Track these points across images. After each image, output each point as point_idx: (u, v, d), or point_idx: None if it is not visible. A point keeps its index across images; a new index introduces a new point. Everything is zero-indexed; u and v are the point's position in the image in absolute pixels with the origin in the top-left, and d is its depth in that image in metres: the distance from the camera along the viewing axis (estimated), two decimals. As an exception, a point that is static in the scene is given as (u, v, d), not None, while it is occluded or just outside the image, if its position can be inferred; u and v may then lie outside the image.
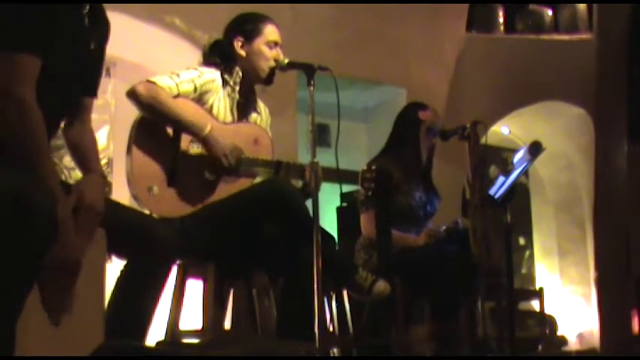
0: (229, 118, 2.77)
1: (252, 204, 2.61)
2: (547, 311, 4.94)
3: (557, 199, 6.51)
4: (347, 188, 3.23)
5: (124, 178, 2.62)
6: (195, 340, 2.67)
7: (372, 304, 3.29)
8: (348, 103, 5.26)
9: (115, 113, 4.17)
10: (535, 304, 4.88)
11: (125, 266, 2.03)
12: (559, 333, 5.89)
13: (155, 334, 2.30)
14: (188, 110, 2.62)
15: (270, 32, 2.83)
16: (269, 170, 2.72)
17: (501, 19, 5.89)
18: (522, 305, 5.06)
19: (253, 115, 2.90)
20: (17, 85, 1.70)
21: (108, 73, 4.07)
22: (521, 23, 6.04)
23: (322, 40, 4.55)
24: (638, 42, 6.21)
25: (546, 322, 5.19)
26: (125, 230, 1.98)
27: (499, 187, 3.30)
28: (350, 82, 4.77)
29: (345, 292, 2.91)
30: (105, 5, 2.04)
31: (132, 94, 2.56)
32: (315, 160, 2.46)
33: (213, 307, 2.65)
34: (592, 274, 6.18)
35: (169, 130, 2.63)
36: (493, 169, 3.36)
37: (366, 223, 3.53)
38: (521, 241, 6.63)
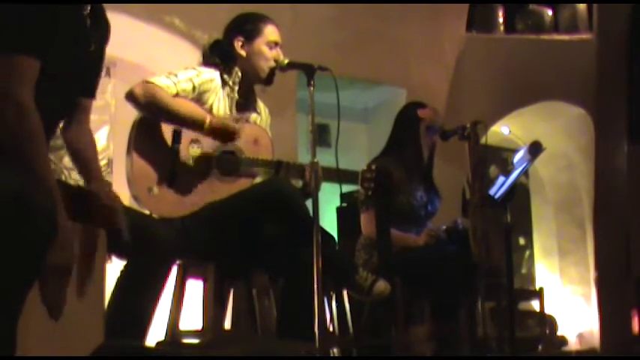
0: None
1: (252, 204, 2.61)
2: (547, 311, 4.94)
3: (557, 199, 6.51)
4: (347, 188, 3.23)
5: (124, 179, 2.62)
6: (195, 340, 2.67)
7: (372, 304, 3.29)
8: (348, 103, 5.26)
9: (115, 113, 4.17)
10: (535, 304, 4.88)
11: (125, 266, 2.03)
12: (559, 333, 5.88)
13: (155, 334, 2.30)
14: (187, 106, 2.62)
15: (271, 32, 2.83)
16: (269, 170, 2.72)
17: (501, 19, 5.89)
18: (522, 305, 5.05)
19: (253, 116, 2.90)
20: (15, 86, 1.70)
21: (108, 73, 4.07)
22: (521, 23, 6.04)
23: (322, 40, 4.54)
24: (638, 42, 6.21)
25: (546, 322, 5.19)
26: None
27: (499, 187, 3.30)
28: (350, 82, 4.77)
29: (345, 292, 2.91)
30: (105, 5, 2.04)
31: (130, 97, 2.56)
32: (315, 160, 2.46)
33: (213, 307, 2.65)
34: (592, 274, 6.18)
35: (169, 131, 2.63)
36: (493, 169, 3.36)
37: (367, 222, 3.53)
38: (521, 241, 6.63)
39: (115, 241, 1.91)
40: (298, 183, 2.80)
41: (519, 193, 4.46)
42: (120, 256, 2.03)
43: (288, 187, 2.63)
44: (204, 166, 2.66)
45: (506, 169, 3.27)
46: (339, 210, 4.36)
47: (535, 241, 6.63)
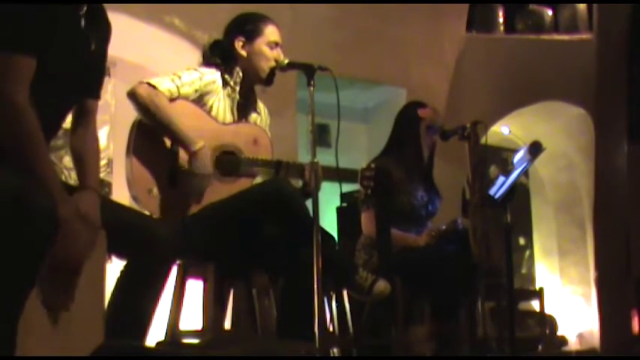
0: (229, 119, 2.77)
1: (252, 204, 2.61)
2: (547, 311, 4.94)
3: (557, 199, 6.51)
4: (347, 188, 3.23)
5: (124, 179, 2.62)
6: (195, 340, 2.67)
7: (372, 304, 3.29)
8: (348, 103, 5.26)
9: (115, 113, 4.17)
10: (535, 304, 4.88)
11: (125, 266, 2.03)
12: (559, 333, 5.89)
13: (155, 334, 2.30)
14: (186, 114, 2.62)
15: (271, 32, 2.83)
16: (269, 170, 2.72)
17: (501, 19, 5.89)
18: (522, 305, 5.06)
19: (253, 116, 2.90)
20: (10, 86, 1.70)
21: (108, 73, 4.07)
22: (521, 23, 6.04)
23: (322, 40, 4.54)
24: (638, 42, 6.21)
25: (546, 322, 5.19)
26: (125, 231, 1.98)
27: (499, 187, 3.30)
28: (350, 82, 4.77)
29: (345, 292, 2.91)
30: (105, 5, 2.04)
31: (132, 95, 2.56)
32: (315, 160, 2.46)
33: (213, 307, 2.65)
34: (592, 274, 6.18)
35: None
36: (493, 169, 3.36)
37: (367, 222, 3.53)
38: (521, 241, 6.63)
39: (115, 241, 1.91)
40: (298, 183, 2.80)
41: (519, 193, 4.46)
42: (120, 256, 2.03)
43: (288, 187, 2.63)
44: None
45: (506, 169, 3.27)
46: (339, 210, 4.36)
47: (535, 241, 6.63)
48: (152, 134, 2.60)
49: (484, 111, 5.02)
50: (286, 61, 2.73)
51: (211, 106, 2.72)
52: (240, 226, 2.60)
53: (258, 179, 2.76)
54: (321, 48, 4.37)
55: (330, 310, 2.89)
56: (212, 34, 2.91)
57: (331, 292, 2.90)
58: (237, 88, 2.80)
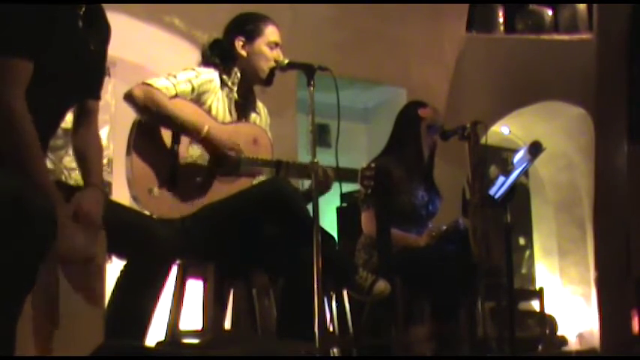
0: (228, 119, 2.77)
1: (252, 204, 2.61)
2: (547, 311, 4.94)
3: (557, 199, 6.51)
4: (347, 188, 3.23)
5: (124, 179, 2.62)
6: (195, 340, 2.67)
7: (372, 304, 3.29)
8: (348, 103, 5.26)
9: (115, 113, 4.17)
10: (535, 304, 4.88)
11: (125, 266, 2.03)
12: (559, 333, 5.89)
13: (155, 334, 2.30)
14: (186, 111, 2.62)
15: (271, 33, 2.83)
16: (269, 170, 2.72)
17: (501, 19, 5.89)
18: (522, 305, 5.06)
19: (252, 115, 2.90)
20: (6, 90, 1.70)
21: (108, 73, 4.07)
22: (521, 23, 6.04)
23: (322, 40, 4.54)
24: (638, 42, 6.21)
25: (546, 322, 5.19)
26: (125, 230, 1.98)
27: (499, 187, 3.30)
28: (350, 82, 4.77)
29: (345, 292, 2.91)
30: (105, 5, 2.04)
31: (129, 98, 2.56)
32: (315, 160, 2.46)
33: (213, 307, 2.65)
34: (592, 274, 6.18)
35: (169, 131, 2.63)
36: (493, 169, 3.36)
37: (367, 221, 3.53)
38: (521, 241, 6.63)
39: (115, 241, 1.91)
40: (298, 183, 2.80)
41: (519, 193, 4.46)
42: (120, 256, 2.03)
43: (288, 187, 2.63)
44: (204, 166, 2.65)
45: (506, 169, 3.27)
46: (339, 210, 4.36)
47: (535, 241, 6.63)
48: (152, 134, 2.60)
49: (484, 111, 5.02)
50: (286, 61, 2.73)
51: (210, 106, 2.72)
52: (240, 226, 2.60)
53: (259, 179, 2.76)
54: (321, 48, 4.37)
55: (330, 310, 2.89)
56: (212, 34, 2.91)
57: (331, 292, 2.90)
58: (235, 89, 2.80)
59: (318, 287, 2.28)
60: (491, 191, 3.30)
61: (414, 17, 5.11)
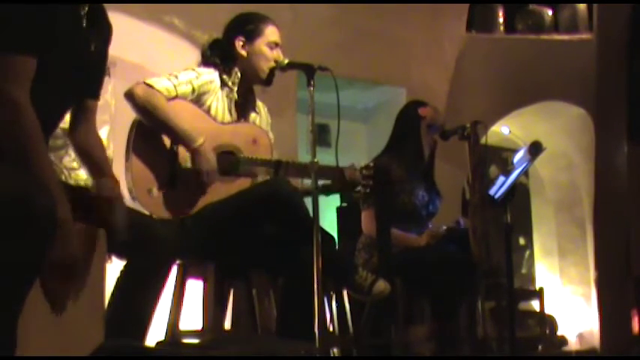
0: (228, 119, 2.78)
1: (251, 204, 2.61)
2: (547, 311, 4.94)
3: (557, 199, 6.50)
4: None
5: (124, 179, 2.61)
6: (195, 340, 2.67)
7: (372, 304, 3.29)
8: (348, 103, 5.26)
9: (115, 113, 4.17)
10: (535, 304, 4.88)
11: (125, 266, 2.03)
12: (559, 333, 5.88)
13: (155, 334, 2.30)
14: (185, 112, 2.62)
15: (271, 33, 2.83)
16: (269, 170, 2.72)
17: (501, 19, 5.88)
18: (522, 305, 5.05)
19: (252, 115, 2.90)
20: (10, 85, 1.70)
21: (108, 73, 4.05)
22: (521, 23, 6.03)
23: (322, 40, 4.54)
24: (638, 42, 6.20)
25: (546, 322, 5.19)
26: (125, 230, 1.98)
27: (499, 187, 3.30)
28: (350, 82, 4.77)
29: (345, 292, 2.91)
30: (105, 5, 2.04)
31: (129, 96, 2.56)
32: (315, 160, 2.46)
33: (213, 307, 2.65)
34: (592, 274, 6.17)
35: (168, 131, 2.63)
36: (493, 169, 3.36)
37: (367, 221, 3.53)
38: (521, 241, 6.63)
39: (115, 241, 1.91)
40: (298, 183, 2.80)
41: (519, 193, 4.45)
42: (120, 256, 2.03)
43: (287, 187, 2.63)
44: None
45: (506, 169, 3.27)
46: (339, 210, 4.36)
47: (535, 241, 6.63)
48: (152, 134, 2.60)
49: (484, 111, 5.01)
50: (286, 61, 2.73)
51: (210, 106, 2.72)
52: (239, 226, 2.61)
53: (259, 179, 2.76)
54: (321, 48, 4.37)
55: (330, 310, 2.90)
56: (212, 34, 2.91)
57: (331, 292, 2.90)
58: (235, 89, 2.80)
59: (318, 287, 2.28)
60: (491, 191, 3.30)
61: (414, 17, 5.11)
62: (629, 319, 5.95)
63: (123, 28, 3.51)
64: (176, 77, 2.64)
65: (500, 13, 5.89)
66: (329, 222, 4.20)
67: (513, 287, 3.39)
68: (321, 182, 2.64)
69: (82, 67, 1.95)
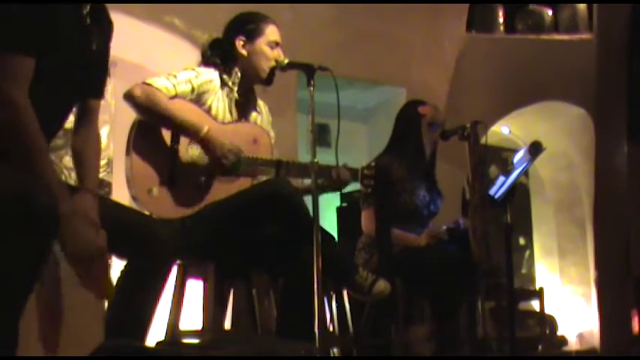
0: (228, 118, 2.77)
1: (252, 204, 2.61)
2: (547, 311, 4.94)
3: (557, 199, 6.50)
4: (347, 188, 3.23)
5: (124, 179, 2.62)
6: (195, 340, 2.67)
7: (372, 304, 3.29)
8: (348, 103, 5.26)
9: (115, 113, 4.17)
10: (535, 304, 4.88)
11: (125, 266, 2.03)
12: (559, 333, 5.88)
13: (155, 334, 2.30)
14: (185, 111, 2.62)
15: (272, 32, 2.83)
16: (269, 170, 2.72)
17: (501, 19, 5.88)
18: (522, 305, 5.05)
19: (253, 115, 2.90)
20: (9, 85, 1.70)
21: (108, 73, 4.06)
22: (521, 23, 6.03)
23: (322, 40, 4.54)
24: (638, 42, 6.20)
25: (546, 322, 5.19)
26: (125, 230, 1.98)
27: (499, 187, 3.30)
28: (350, 82, 4.77)
29: (345, 292, 2.91)
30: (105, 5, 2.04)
31: (128, 97, 2.56)
32: (316, 160, 2.46)
33: (213, 307, 2.65)
34: (592, 274, 6.17)
35: (168, 131, 2.63)
36: (493, 169, 3.35)
37: (367, 220, 3.53)
38: (521, 241, 6.63)
39: (115, 241, 1.91)
40: (298, 183, 2.80)
41: (519, 193, 4.45)
42: (120, 256, 2.03)
43: (288, 187, 2.63)
44: (203, 168, 2.65)
45: (506, 169, 3.27)
46: (339, 210, 4.36)
47: (535, 241, 6.63)
48: (152, 134, 2.60)
49: (484, 111, 5.01)
50: (286, 61, 2.73)
51: (210, 106, 2.72)
52: (240, 226, 2.60)
53: (260, 179, 2.76)
54: (321, 48, 4.37)
55: (330, 310, 2.89)
56: (212, 34, 2.91)
57: (331, 292, 2.90)
58: (236, 88, 2.80)
59: (318, 287, 2.28)
60: (491, 191, 3.30)
61: (414, 17, 5.11)
62: (629, 319, 5.95)
63: (123, 28, 3.50)
64: (175, 76, 2.64)
65: (500, 13, 5.89)
66: (329, 222, 4.20)
67: (513, 287, 3.39)
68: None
69: (85, 66, 1.95)
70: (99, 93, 2.08)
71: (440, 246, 3.52)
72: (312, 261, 2.30)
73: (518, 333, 3.39)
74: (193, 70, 2.73)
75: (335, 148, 2.61)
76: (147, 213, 2.49)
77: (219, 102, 2.75)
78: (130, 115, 2.64)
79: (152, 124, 2.60)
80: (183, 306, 2.67)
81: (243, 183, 2.70)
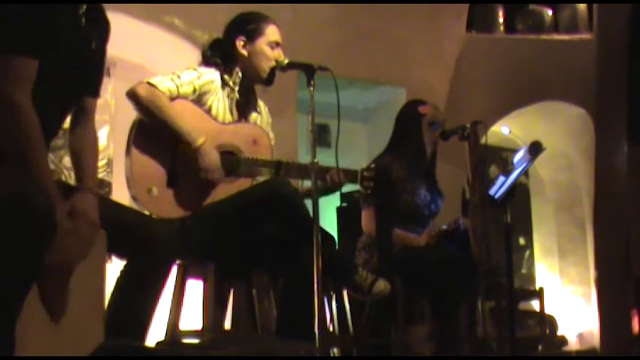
0: (229, 119, 2.78)
1: (252, 204, 2.61)
2: (547, 311, 4.94)
3: (557, 199, 6.50)
4: (347, 188, 3.23)
5: (124, 179, 2.62)
6: (195, 340, 2.67)
7: (372, 304, 3.29)
8: (348, 103, 5.26)
9: (115, 113, 4.17)
10: (535, 304, 4.87)
11: (125, 266, 2.03)
12: (559, 333, 5.88)
13: (155, 334, 2.30)
14: (186, 113, 2.62)
15: (272, 32, 2.83)
16: (269, 170, 2.72)
17: (501, 19, 5.88)
18: (522, 305, 5.05)
19: (253, 115, 2.90)
20: (12, 88, 1.70)
21: (108, 73, 4.06)
22: (521, 23, 6.03)
23: (322, 40, 4.54)
24: (638, 42, 6.20)
25: (546, 322, 5.18)
26: (125, 230, 1.98)
27: (499, 187, 3.30)
28: (350, 82, 4.77)
29: (345, 292, 2.91)
30: (105, 5, 2.04)
31: (131, 95, 2.56)
32: (315, 160, 2.46)
33: (213, 307, 2.65)
34: (592, 274, 6.17)
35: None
36: (493, 169, 3.35)
37: (367, 220, 3.53)
38: (521, 241, 6.63)
39: (115, 241, 1.91)
40: (298, 183, 2.80)
41: (519, 193, 4.45)
42: (120, 256, 2.03)
43: (287, 187, 2.63)
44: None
45: (506, 169, 3.27)
46: (339, 210, 4.36)
47: (535, 241, 6.63)
48: (152, 134, 2.60)
49: (484, 111, 5.02)
50: (286, 61, 2.73)
51: (210, 106, 2.72)
52: (240, 226, 2.60)
53: (259, 179, 2.76)
54: (321, 48, 4.37)
55: (330, 310, 2.89)
56: (212, 34, 2.91)
57: (331, 292, 2.90)
58: (237, 89, 2.80)
59: (318, 287, 2.28)
60: (491, 191, 3.30)
61: (414, 17, 5.11)
62: (629, 319, 5.95)
63: (123, 28, 3.52)
64: (179, 77, 2.64)
65: (500, 13, 5.89)
66: (329, 222, 4.20)
67: (513, 287, 3.38)
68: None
69: (83, 67, 1.95)
70: (96, 92, 2.08)
71: (440, 246, 3.52)
72: (312, 261, 2.30)
73: (518, 333, 3.39)
74: (196, 70, 2.73)
75: (335, 148, 2.61)
76: (147, 213, 2.49)
77: (220, 102, 2.75)
78: (129, 115, 2.64)
79: (151, 125, 2.60)
80: (183, 306, 2.67)
81: (243, 183, 2.70)
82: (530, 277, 6.56)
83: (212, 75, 2.74)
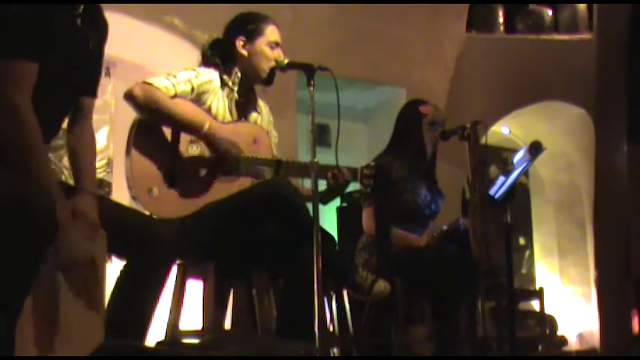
0: (228, 118, 2.77)
1: (252, 204, 2.61)
2: (547, 311, 4.94)
3: (557, 199, 6.50)
4: (347, 188, 3.23)
5: (124, 179, 2.62)
6: (195, 340, 2.67)
7: (372, 304, 3.29)
8: (348, 103, 5.27)
9: (114, 113, 4.17)
10: (535, 304, 4.87)
11: (125, 266, 2.03)
12: (559, 333, 5.88)
13: (155, 334, 2.30)
14: (186, 109, 2.62)
15: (272, 32, 2.83)
16: (269, 169, 2.72)
17: (501, 19, 5.89)
18: (522, 305, 5.05)
19: (253, 115, 2.90)
20: (12, 90, 1.70)
21: (108, 73, 4.07)
22: (521, 23, 6.03)
23: (322, 40, 4.54)
24: (638, 42, 6.20)
25: (546, 322, 5.19)
26: (125, 230, 1.98)
27: (499, 187, 3.29)
28: (350, 82, 4.77)
29: (345, 292, 2.91)
30: (104, 5, 2.04)
31: (129, 97, 2.56)
32: (316, 160, 2.46)
33: (213, 307, 2.65)
34: (592, 274, 6.17)
35: (168, 131, 2.63)
36: (493, 169, 3.35)
37: (368, 219, 3.53)
38: (521, 241, 6.63)
39: (115, 241, 1.91)
40: (298, 183, 2.80)
41: (519, 193, 4.45)
42: (120, 256, 2.03)
43: (288, 186, 2.63)
44: (204, 165, 2.65)
45: (506, 169, 3.27)
46: (339, 210, 4.36)
47: (535, 241, 6.63)
48: (152, 133, 2.60)
49: (484, 111, 5.02)
50: (286, 61, 2.73)
51: (210, 106, 2.72)
52: (240, 226, 2.60)
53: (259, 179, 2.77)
54: (321, 48, 4.37)
55: (330, 310, 2.89)
56: (212, 34, 2.91)
57: (331, 292, 2.90)
58: (236, 89, 2.80)
59: (318, 287, 2.28)
60: (491, 191, 3.30)
61: (414, 17, 5.11)
62: (629, 319, 5.95)
63: (123, 28, 3.53)
64: (174, 76, 2.64)
65: (500, 13, 5.89)
66: (329, 222, 4.20)
67: (513, 287, 3.38)
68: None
69: (81, 67, 1.95)
70: (93, 92, 2.08)
71: (440, 246, 3.52)
72: (312, 261, 2.29)
73: (518, 333, 3.39)
74: (193, 70, 2.73)
75: (335, 148, 2.61)
76: (147, 213, 2.49)
77: (219, 102, 2.75)
78: (129, 115, 2.64)
79: (153, 123, 2.60)
80: (183, 306, 2.67)
81: (243, 183, 2.70)
82: (530, 277, 6.56)
83: (210, 75, 2.74)
